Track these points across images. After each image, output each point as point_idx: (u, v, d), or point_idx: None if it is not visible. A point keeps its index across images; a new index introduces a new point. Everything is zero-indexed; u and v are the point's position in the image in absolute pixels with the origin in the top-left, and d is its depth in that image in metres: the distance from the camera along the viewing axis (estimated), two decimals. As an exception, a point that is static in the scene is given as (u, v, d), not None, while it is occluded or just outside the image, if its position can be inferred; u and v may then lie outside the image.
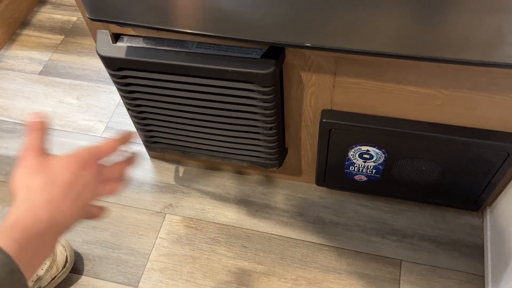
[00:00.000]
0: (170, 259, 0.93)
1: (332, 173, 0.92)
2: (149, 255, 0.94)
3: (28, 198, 0.43)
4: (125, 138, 0.56)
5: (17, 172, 0.46)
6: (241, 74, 0.68)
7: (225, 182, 1.04)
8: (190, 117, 0.80)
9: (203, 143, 0.87)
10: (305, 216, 0.98)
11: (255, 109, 0.75)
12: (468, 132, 0.73)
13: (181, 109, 0.79)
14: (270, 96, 0.71)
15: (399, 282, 0.87)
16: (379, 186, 0.91)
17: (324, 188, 1.01)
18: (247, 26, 0.58)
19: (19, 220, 0.41)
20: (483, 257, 0.89)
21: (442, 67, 0.65)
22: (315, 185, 0.99)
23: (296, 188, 1.02)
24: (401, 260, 0.90)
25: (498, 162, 0.75)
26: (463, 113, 0.71)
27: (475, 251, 0.90)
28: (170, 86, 0.75)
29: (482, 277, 0.87)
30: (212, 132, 0.83)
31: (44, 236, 0.42)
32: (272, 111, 0.74)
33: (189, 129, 0.84)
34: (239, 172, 1.05)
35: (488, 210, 0.93)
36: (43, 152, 0.47)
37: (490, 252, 0.87)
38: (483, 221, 0.93)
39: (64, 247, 0.90)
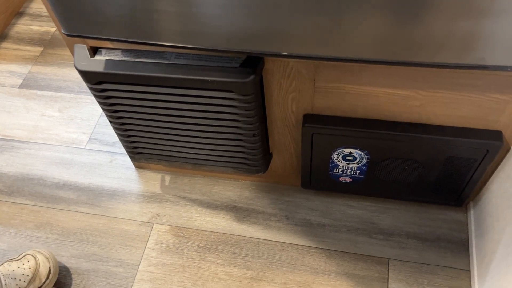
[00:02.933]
0: (159, 269, 0.93)
1: (317, 176, 0.92)
2: (138, 266, 0.94)
3: None
4: None
5: None
6: (221, 83, 0.68)
7: (211, 189, 1.04)
8: (172, 127, 0.80)
9: (187, 152, 0.87)
10: (292, 219, 0.98)
11: (237, 116, 0.75)
12: (447, 131, 0.74)
13: (163, 119, 0.79)
14: (251, 104, 0.71)
15: (388, 280, 0.88)
16: (364, 186, 0.92)
17: (310, 191, 1.02)
18: (223, 37, 0.59)
19: None
20: (469, 251, 0.91)
21: (419, 70, 0.66)
22: (301, 188, 1.00)
23: (282, 192, 1.02)
24: (388, 259, 0.91)
25: (478, 158, 0.77)
26: (441, 113, 0.73)
27: (460, 246, 0.92)
28: (151, 98, 0.74)
29: (468, 272, 0.88)
30: (195, 141, 0.83)
31: None
32: (254, 118, 0.75)
33: (172, 138, 0.84)
34: (226, 178, 1.05)
35: (472, 205, 0.94)
36: None
37: (475, 246, 0.89)
38: (467, 216, 0.95)
39: (47, 258, 0.89)
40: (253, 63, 0.68)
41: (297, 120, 0.81)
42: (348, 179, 0.91)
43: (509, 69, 0.53)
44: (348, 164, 0.86)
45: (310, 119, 0.79)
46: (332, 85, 0.72)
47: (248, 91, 0.69)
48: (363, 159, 0.83)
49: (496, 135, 0.73)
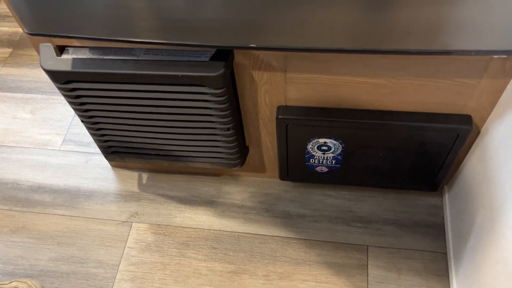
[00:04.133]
0: (140, 268, 0.93)
1: (294, 167, 0.93)
2: (118, 266, 0.93)
3: None
4: None
5: None
6: (192, 78, 0.68)
7: (190, 185, 1.03)
8: (145, 124, 0.79)
9: (162, 148, 0.86)
10: (272, 211, 0.99)
11: (210, 111, 0.74)
12: (418, 117, 0.75)
13: (136, 116, 0.78)
14: (223, 98, 0.71)
15: (367, 267, 0.90)
16: (341, 175, 0.93)
17: (289, 182, 1.02)
18: (191, 31, 0.58)
19: None
20: (445, 235, 0.92)
21: (388, 58, 0.67)
22: (280, 180, 1.00)
23: (261, 185, 1.02)
24: (367, 246, 0.92)
25: (449, 143, 0.78)
26: (412, 99, 0.73)
27: (437, 230, 0.93)
28: (122, 95, 0.73)
29: (445, 254, 0.90)
30: (169, 137, 0.82)
31: None
32: (227, 112, 0.74)
33: (146, 136, 0.83)
34: (204, 174, 1.05)
35: (446, 190, 0.96)
36: None
37: (451, 229, 0.90)
38: (442, 201, 0.97)
39: (30, 287, 0.87)
40: (223, 57, 0.67)
41: (271, 113, 0.81)
42: (325, 169, 0.92)
43: (472, 53, 0.54)
44: (324, 154, 0.86)
45: (284, 111, 0.79)
46: (304, 76, 0.73)
47: (219, 84, 0.68)
48: (338, 148, 0.84)
49: (466, 119, 0.74)
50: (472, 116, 0.75)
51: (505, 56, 0.55)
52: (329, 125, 0.78)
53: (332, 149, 0.85)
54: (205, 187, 1.03)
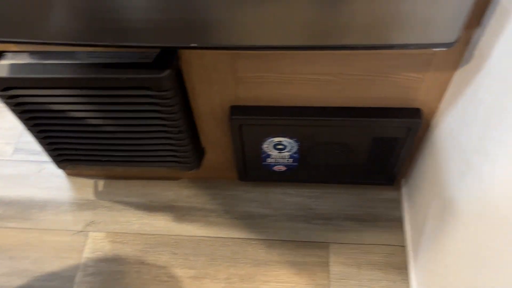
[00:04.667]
0: (97, 278, 0.90)
1: (252, 167, 0.92)
2: (75, 277, 0.90)
3: None
4: None
5: None
6: (136, 80, 0.66)
7: (148, 190, 1.01)
8: (94, 129, 0.77)
9: (114, 154, 0.83)
10: (232, 213, 0.97)
11: (159, 114, 0.73)
12: (368, 112, 0.75)
13: (83, 122, 0.75)
14: (171, 99, 0.69)
15: (328, 264, 0.90)
16: (299, 173, 0.92)
17: (249, 183, 1.01)
18: (131, 32, 0.56)
19: None
20: (403, 228, 0.93)
21: (336, 54, 0.67)
22: (239, 180, 0.99)
23: (221, 187, 1.01)
24: (328, 243, 0.92)
25: (401, 137, 0.79)
26: (362, 95, 0.74)
27: (395, 224, 0.94)
28: (65, 101, 0.71)
29: (404, 247, 0.91)
30: (120, 142, 0.80)
31: None
32: (177, 113, 0.73)
33: (96, 142, 0.80)
34: (162, 178, 1.02)
35: (403, 183, 0.97)
36: None
37: (408, 222, 0.91)
38: (400, 194, 0.98)
39: None
40: (167, 57, 0.66)
41: (224, 113, 0.80)
42: (283, 168, 0.91)
43: (412, 47, 0.54)
44: (280, 153, 0.86)
45: (237, 110, 0.77)
46: (254, 75, 0.72)
47: (165, 86, 0.66)
48: (293, 146, 0.84)
49: (416, 113, 0.75)
50: (422, 109, 0.75)
51: (444, 49, 0.56)
52: (282, 124, 0.78)
53: (288, 148, 0.84)
54: (164, 191, 1.01)
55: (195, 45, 0.56)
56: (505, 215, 0.50)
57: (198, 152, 0.87)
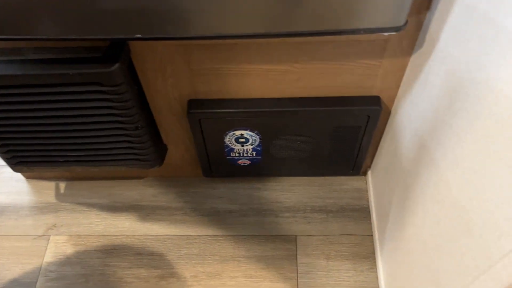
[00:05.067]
0: (60, 283, 0.87)
1: (216, 162, 0.90)
2: (36, 283, 0.87)
3: None
4: None
5: None
6: (85, 75, 0.63)
7: (112, 191, 0.98)
8: (47, 129, 0.74)
9: (71, 154, 0.81)
10: (199, 210, 0.96)
11: (113, 110, 0.70)
12: (327, 101, 0.74)
13: (34, 122, 0.72)
14: (124, 94, 0.67)
15: (296, 257, 0.89)
16: (264, 167, 0.91)
17: (215, 178, 1.00)
18: (71, 24, 0.54)
19: None
20: (370, 217, 0.93)
21: (290, 43, 0.66)
22: (205, 177, 0.97)
23: (187, 184, 0.99)
24: (296, 235, 0.92)
25: (361, 125, 0.78)
26: (320, 84, 0.73)
27: (362, 213, 0.94)
28: (12, 100, 0.68)
29: (371, 236, 0.91)
30: (76, 141, 0.77)
31: None
32: (131, 109, 0.71)
33: (50, 142, 0.77)
34: (126, 177, 1.00)
35: (369, 172, 0.97)
36: None
37: (375, 211, 0.91)
38: (366, 184, 0.98)
39: None
40: (117, 51, 0.64)
41: (182, 107, 0.78)
42: (247, 162, 0.90)
43: (361, 32, 0.54)
44: (243, 146, 0.84)
45: (195, 104, 0.76)
46: (209, 67, 0.70)
47: (115, 81, 0.64)
48: (255, 139, 0.82)
49: (375, 100, 0.74)
50: (381, 96, 0.75)
51: (394, 32, 0.55)
52: (242, 117, 0.76)
53: (250, 141, 0.83)
54: (128, 191, 0.98)
55: (140, 36, 0.54)
56: (457, 198, 0.49)
57: (160, 149, 0.85)
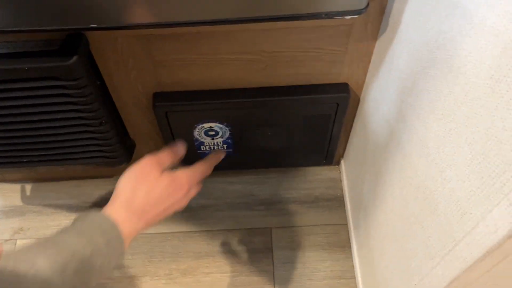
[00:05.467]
0: None
1: (186, 157, 0.87)
2: (3, 289, 0.84)
3: (129, 199, 0.57)
4: (216, 159, 0.72)
5: (134, 168, 0.60)
6: (41, 70, 0.61)
7: (81, 191, 0.96)
8: (5, 128, 0.71)
9: (34, 153, 0.78)
10: (171, 206, 0.94)
11: (74, 106, 0.68)
12: (296, 90, 0.73)
13: (-8, 121, 0.69)
14: (84, 89, 0.65)
15: (272, 249, 0.88)
16: (237, 160, 0.90)
17: (187, 174, 0.98)
18: (22, 15, 0.51)
19: (118, 212, 0.55)
20: (345, 206, 0.93)
21: (254, 31, 0.64)
22: (176, 172, 0.95)
23: (158, 180, 0.97)
24: (271, 228, 0.91)
25: (331, 114, 0.78)
26: (288, 72, 0.72)
27: (337, 203, 0.94)
28: (-34, 98, 0.65)
29: (346, 225, 0.91)
30: (39, 140, 0.74)
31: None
32: (93, 104, 0.68)
33: (10, 142, 0.74)
34: (95, 177, 0.97)
35: (342, 161, 0.97)
36: (161, 167, 0.60)
37: (349, 200, 0.91)
38: (340, 173, 0.97)
39: None
40: (74, 43, 0.61)
41: (148, 101, 0.76)
42: (219, 155, 0.88)
43: (323, 16, 0.53)
44: (213, 139, 0.83)
45: (160, 97, 0.74)
46: (173, 58, 0.68)
47: (74, 74, 0.62)
48: (225, 132, 0.81)
49: (343, 88, 0.74)
50: (349, 83, 0.74)
51: (355, 16, 0.54)
52: (209, 108, 0.75)
53: (220, 134, 0.81)
54: (97, 190, 0.96)
55: (95, 25, 0.52)
56: (422, 180, 0.49)
57: (127, 145, 0.83)
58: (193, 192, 0.64)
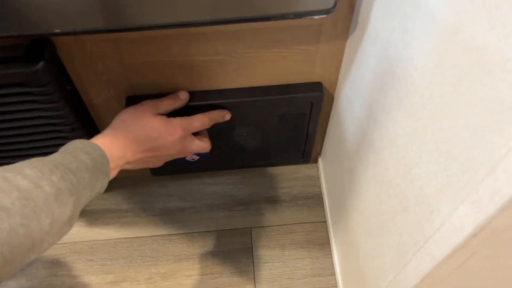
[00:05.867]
0: (5, 299, 0.82)
1: (163, 160, 0.87)
2: (-22, 301, 0.82)
3: (116, 129, 0.58)
4: (220, 116, 0.71)
5: (129, 108, 0.62)
6: (6, 77, 0.59)
7: (56, 197, 0.94)
8: (-27, 137, 0.69)
9: (4, 162, 0.76)
10: (150, 210, 0.93)
11: (44, 112, 0.66)
12: (270, 90, 0.73)
13: (-42, 130, 0.68)
14: (53, 95, 0.64)
15: (252, 249, 0.88)
16: (214, 161, 0.89)
17: (166, 177, 0.97)
18: (-17, 21, 0.50)
19: (103, 138, 0.56)
20: (323, 204, 0.93)
21: (224, 32, 0.64)
22: (154, 176, 0.94)
23: (135, 184, 0.96)
24: (250, 228, 0.91)
25: (306, 112, 0.78)
26: (261, 72, 0.72)
27: (315, 201, 0.94)
28: None
29: (325, 223, 0.91)
30: (11, 148, 0.73)
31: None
32: (64, 110, 0.67)
33: (-21, 150, 0.72)
34: (71, 182, 0.95)
35: (320, 159, 0.97)
36: (157, 110, 0.62)
37: (327, 197, 0.92)
38: (318, 171, 0.98)
39: None
40: (40, 49, 0.60)
41: (120, 105, 0.75)
42: (196, 157, 0.88)
43: (291, 16, 0.53)
44: (188, 141, 0.82)
45: (133, 101, 0.72)
46: (144, 61, 0.67)
47: (41, 81, 0.61)
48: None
49: (316, 87, 0.74)
50: (323, 82, 0.75)
51: (324, 15, 0.55)
52: (183, 111, 0.74)
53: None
54: (74, 196, 0.94)
55: (58, 31, 0.51)
56: (393, 177, 0.49)
57: (101, 150, 0.82)
58: (193, 143, 0.65)
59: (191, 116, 0.65)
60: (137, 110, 0.61)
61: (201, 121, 0.66)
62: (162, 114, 0.63)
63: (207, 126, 0.68)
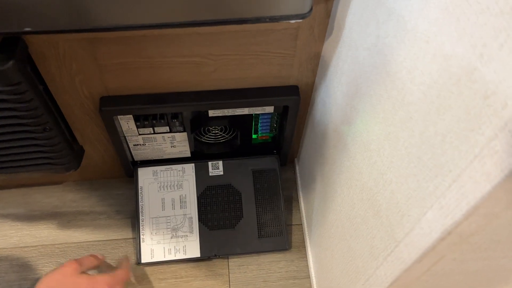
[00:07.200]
0: (-29, 304, 0.80)
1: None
2: None
3: None
4: (129, 265, 0.76)
5: (53, 272, 0.64)
6: (-26, 75, 0.57)
7: (28, 199, 0.92)
8: None
9: (-27, 162, 0.74)
10: (124, 212, 0.92)
11: (14, 112, 0.65)
12: (246, 93, 0.73)
13: None
14: (24, 94, 0.62)
15: (227, 252, 0.87)
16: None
17: (141, 179, 0.96)
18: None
19: None
20: (299, 207, 0.94)
21: (201, 34, 0.63)
22: (128, 177, 0.93)
23: (109, 186, 0.94)
24: (226, 231, 0.90)
25: (282, 116, 0.78)
26: (237, 76, 0.71)
27: (292, 203, 0.94)
28: None
29: (301, 226, 0.91)
30: (-23, 148, 0.71)
31: None
32: (35, 110, 0.65)
33: None
34: (43, 184, 0.93)
35: (296, 162, 0.98)
36: (81, 270, 0.66)
37: (303, 200, 0.92)
38: (294, 173, 0.98)
39: None
40: (10, 47, 0.58)
41: (95, 106, 0.74)
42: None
43: (267, 20, 0.53)
44: (164, 143, 0.82)
45: (107, 102, 0.72)
46: (119, 62, 0.66)
47: (11, 80, 0.59)
48: (177, 135, 0.80)
49: (293, 90, 0.74)
50: (299, 86, 0.75)
51: (300, 20, 0.55)
52: (158, 113, 0.73)
53: (171, 137, 0.80)
54: (46, 198, 0.92)
55: (29, 29, 0.50)
56: (366, 181, 0.50)
57: (75, 151, 0.80)
58: None
59: (113, 273, 0.69)
60: (62, 274, 0.64)
61: (123, 276, 0.70)
62: (83, 272, 0.66)
63: (128, 279, 0.74)
